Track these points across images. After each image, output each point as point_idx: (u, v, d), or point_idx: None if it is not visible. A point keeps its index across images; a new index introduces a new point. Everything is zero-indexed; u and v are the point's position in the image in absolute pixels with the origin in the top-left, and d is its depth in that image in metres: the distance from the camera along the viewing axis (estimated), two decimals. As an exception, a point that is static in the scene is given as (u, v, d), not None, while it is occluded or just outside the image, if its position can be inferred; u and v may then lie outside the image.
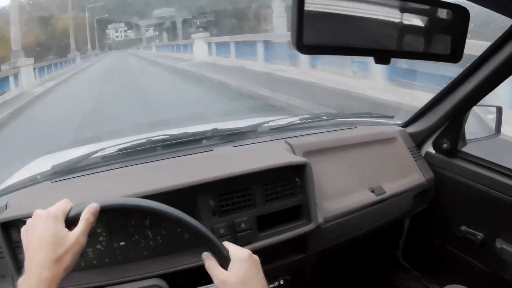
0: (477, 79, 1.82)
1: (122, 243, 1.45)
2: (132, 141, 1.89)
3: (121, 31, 37.79)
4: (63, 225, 1.06)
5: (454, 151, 2.07)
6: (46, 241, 1.02)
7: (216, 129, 1.99)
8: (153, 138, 1.91)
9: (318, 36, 0.89)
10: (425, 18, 1.00)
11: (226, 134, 1.96)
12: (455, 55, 1.03)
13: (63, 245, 1.02)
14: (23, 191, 1.67)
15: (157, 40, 36.35)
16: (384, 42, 0.97)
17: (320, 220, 1.68)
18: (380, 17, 0.95)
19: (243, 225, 1.53)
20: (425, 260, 2.31)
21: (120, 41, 38.23)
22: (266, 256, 1.51)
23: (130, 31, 38.23)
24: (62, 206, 1.11)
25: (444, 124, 2.06)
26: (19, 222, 1.41)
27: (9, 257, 1.40)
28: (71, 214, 1.10)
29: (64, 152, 2.57)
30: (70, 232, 1.05)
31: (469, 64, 1.84)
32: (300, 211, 1.66)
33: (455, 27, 1.01)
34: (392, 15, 0.96)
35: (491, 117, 2.10)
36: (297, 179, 1.65)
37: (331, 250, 1.85)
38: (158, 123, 7.01)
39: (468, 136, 2.07)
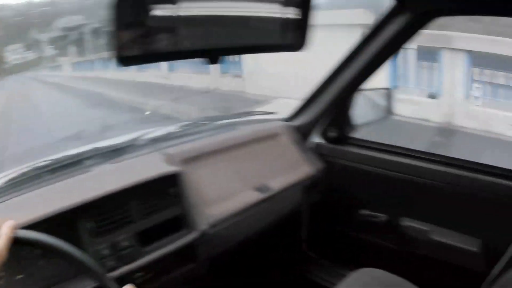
0: (359, 64, 1.84)
1: (19, 276, 1.38)
2: (18, 170, 1.82)
3: (19, 52, 34.54)
4: None
5: (343, 138, 2.08)
6: None
7: (96, 148, 1.94)
8: (38, 165, 1.84)
9: (139, 46, 0.85)
10: (267, 10, 0.98)
11: (106, 152, 1.91)
12: (299, 44, 1.02)
13: None
14: None
15: (66, 56, 32.42)
16: (221, 40, 0.94)
17: (204, 227, 1.67)
18: (215, 14, 0.92)
19: (124, 243, 1.50)
20: (333, 248, 2.33)
21: (19, 64, 34.52)
22: (156, 271, 1.56)
23: (30, 51, 35.22)
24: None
25: (330, 112, 2.06)
26: None
27: None
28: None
29: None
30: None
31: (349, 49, 1.85)
32: (182, 220, 1.64)
33: (299, 16, 0.99)
34: (229, 10, 0.93)
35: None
36: (172, 190, 1.64)
37: (227, 254, 1.83)
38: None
39: (362, 120, 2.10)
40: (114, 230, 1.51)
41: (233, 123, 2.18)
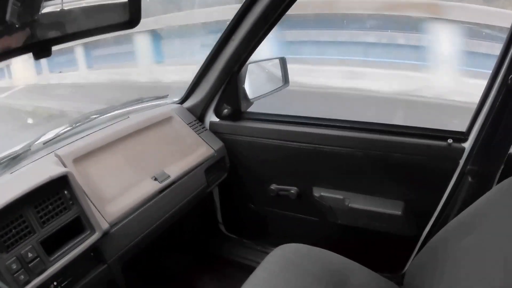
0: (240, 36, 1.85)
1: None
2: None
3: None
4: None
5: (238, 114, 2.09)
6: None
7: None
8: None
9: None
10: None
11: (5, 161, 1.84)
12: (133, 20, 1.01)
13: None
14: None
15: None
16: (50, 30, 0.90)
17: (105, 225, 1.63)
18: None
19: (30, 255, 1.45)
20: (251, 227, 2.34)
21: None
22: (69, 277, 1.54)
23: None
24: None
25: (220, 89, 2.07)
26: None
27: None
28: None
29: None
30: None
31: (228, 23, 1.86)
32: (81, 223, 1.60)
33: None
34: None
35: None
36: (65, 192, 1.58)
37: (137, 250, 1.80)
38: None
39: (258, 93, 2.10)
40: (17, 242, 1.47)
41: (125, 112, 2.14)
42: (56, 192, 1.56)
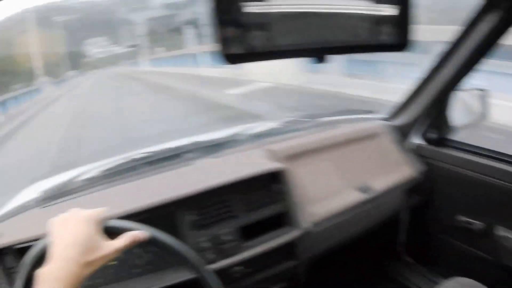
0: (455, 62, 1.80)
1: (114, 262, 1.44)
2: (115, 161, 1.88)
3: (103, 46, 31.70)
4: (98, 231, 1.06)
5: (443, 140, 2.03)
6: (81, 241, 1.01)
7: (196, 142, 1.97)
8: (135, 157, 1.90)
9: (243, 44, 0.84)
10: (370, 8, 0.94)
11: (206, 146, 1.94)
12: (404, 44, 0.99)
13: (96, 251, 1.01)
14: (13, 219, 1.67)
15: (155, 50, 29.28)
16: (325, 38, 0.92)
17: (308, 225, 1.66)
18: (319, 11, 0.89)
19: (225, 237, 1.52)
20: (427, 253, 2.28)
21: (104, 58, 31.65)
22: (256, 265, 1.62)
23: (116, 45, 32.30)
24: (99, 212, 1.10)
25: (428, 113, 2.02)
26: (10, 249, 1.43)
27: (6, 282, 1.43)
28: (109, 224, 1.10)
29: (53, 178, 2.61)
30: (107, 242, 1.05)
31: (444, 49, 1.82)
32: (284, 218, 1.64)
33: (402, 15, 0.97)
34: (332, 6, 0.90)
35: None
36: (277, 186, 1.64)
37: (326, 253, 1.82)
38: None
39: (459, 122, 2.02)
40: (215, 223, 1.54)
41: (334, 121, 2.15)
42: (267, 185, 1.61)
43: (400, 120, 2.12)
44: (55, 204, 1.70)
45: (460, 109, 2.04)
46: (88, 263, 0.99)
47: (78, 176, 1.84)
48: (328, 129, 2.04)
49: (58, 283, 0.95)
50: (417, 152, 2.10)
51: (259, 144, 1.91)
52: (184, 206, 1.51)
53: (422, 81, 1.97)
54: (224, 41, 0.81)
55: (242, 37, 0.83)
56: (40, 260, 1.11)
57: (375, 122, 2.15)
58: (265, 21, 0.85)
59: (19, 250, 1.45)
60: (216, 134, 2.42)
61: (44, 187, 1.86)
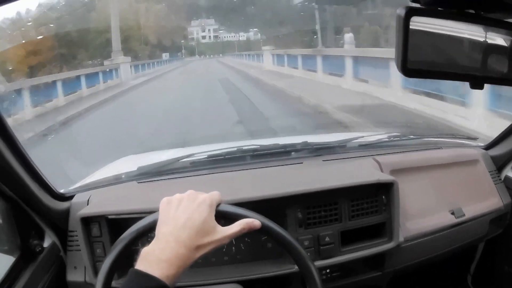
0: None
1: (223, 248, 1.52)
2: (223, 148, 1.93)
3: (209, 30, 26.22)
4: (213, 215, 1.07)
5: None
6: (195, 224, 1.02)
7: (306, 142, 2.01)
8: (244, 147, 1.96)
9: (422, 61, 0.89)
10: None
11: (316, 148, 1.98)
12: None
13: (209, 235, 1.02)
14: (107, 189, 1.75)
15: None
16: (478, 67, 0.94)
17: (401, 239, 1.69)
18: (484, 40, 0.93)
19: (327, 239, 1.57)
20: (495, 286, 2.27)
21: (207, 43, 26.64)
22: (344, 271, 1.61)
23: (225, 31, 26.55)
24: (216, 197, 1.11)
25: None
26: (101, 218, 1.50)
27: (87, 251, 1.48)
28: (223, 208, 1.12)
29: (148, 154, 2.72)
30: (220, 227, 1.06)
31: None
32: (382, 228, 1.68)
33: None
34: (484, 41, 0.93)
35: None
36: (383, 197, 1.66)
37: (405, 270, 1.85)
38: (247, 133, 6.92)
39: None
40: (320, 224, 1.58)
41: (437, 142, 2.20)
42: (375, 194, 1.64)
43: (498, 150, 2.13)
44: (154, 181, 1.76)
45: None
46: (199, 247, 1.01)
47: (183, 157, 1.88)
48: (431, 149, 2.07)
49: (165, 264, 0.96)
50: (506, 184, 2.10)
51: (367, 153, 1.94)
52: (294, 203, 1.55)
53: None
54: (404, 55, 0.86)
55: (421, 55, 0.88)
56: (141, 236, 1.18)
57: (475, 149, 2.16)
58: (440, 44, 0.91)
59: (109, 221, 1.50)
60: (325, 137, 2.51)
61: (140, 163, 1.91)
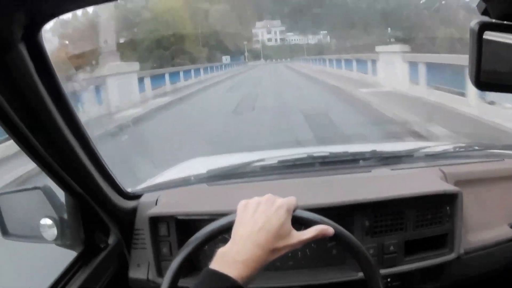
0: None
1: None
2: (293, 154, 1.97)
3: (275, 32, 23.98)
4: (290, 220, 1.09)
5: None
6: (273, 228, 1.04)
7: (374, 151, 2.05)
8: (314, 154, 2.00)
9: (496, 74, 0.91)
10: None
11: (384, 157, 2.02)
12: None
13: (285, 239, 1.05)
14: (176, 190, 1.79)
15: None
16: None
17: (461, 251, 1.68)
18: None
19: (391, 248, 1.60)
20: None
21: (273, 46, 24.20)
22: (405, 281, 1.64)
23: (293, 33, 24.12)
24: (293, 202, 1.13)
25: None
26: (170, 218, 1.55)
27: (152, 250, 1.54)
28: (300, 214, 1.15)
29: (217, 157, 2.80)
30: (296, 231, 1.08)
31: None
32: (444, 239, 1.68)
33: None
34: None
35: None
36: (447, 208, 1.66)
37: (463, 283, 1.84)
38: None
39: None
40: (385, 233, 1.61)
41: (500, 154, 2.16)
42: (440, 205, 1.66)
43: None
44: (224, 184, 1.80)
45: None
46: (275, 250, 1.04)
47: (254, 161, 1.92)
48: (495, 161, 2.05)
49: (241, 265, 0.99)
50: None
51: (433, 164, 1.96)
52: (362, 211, 1.57)
53: None
54: (478, 68, 0.88)
55: (492, 68, 0.90)
56: (214, 238, 1.21)
57: None
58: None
59: (178, 222, 1.55)
60: (393, 146, 2.52)
61: (209, 166, 1.95)
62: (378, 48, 16.11)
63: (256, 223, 1.06)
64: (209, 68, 22.55)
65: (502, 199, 1.90)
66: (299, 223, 1.14)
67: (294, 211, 1.13)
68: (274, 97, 15.76)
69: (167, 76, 17.60)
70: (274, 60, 25.39)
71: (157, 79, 16.59)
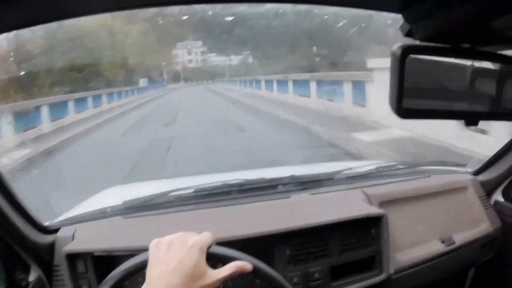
0: None
1: None
2: (209, 183, 1.92)
3: (196, 53, 23.52)
4: (204, 259, 1.06)
5: None
6: (186, 268, 1.00)
7: (293, 176, 2.00)
8: (230, 182, 1.94)
9: (418, 101, 0.89)
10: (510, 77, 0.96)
11: (303, 181, 1.98)
12: None
13: (200, 280, 1.01)
14: (92, 224, 1.72)
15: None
16: (472, 102, 0.96)
17: (391, 271, 1.68)
18: (469, 79, 0.94)
19: (316, 275, 1.55)
20: None
21: (194, 68, 23.80)
22: None
23: (215, 54, 23.36)
24: (207, 239, 1.09)
25: None
26: (87, 255, 1.47)
27: (73, 287, 1.46)
28: (215, 251, 1.11)
29: (134, 185, 2.72)
30: (211, 270, 1.05)
31: None
32: (372, 261, 1.67)
33: None
34: (478, 75, 0.94)
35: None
36: (372, 230, 1.66)
37: None
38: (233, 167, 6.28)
39: None
40: (309, 260, 1.56)
41: (425, 170, 2.20)
42: (365, 228, 1.64)
43: (487, 175, 2.15)
44: (140, 216, 1.74)
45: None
46: None
47: (169, 192, 1.87)
48: (420, 178, 2.08)
49: None
50: (496, 209, 2.11)
51: (355, 185, 1.95)
52: (283, 240, 1.54)
53: None
54: (399, 97, 0.85)
55: (414, 94, 0.87)
56: (130, 276, 1.16)
57: (463, 175, 2.18)
58: (436, 82, 0.91)
59: (95, 258, 1.48)
60: (312, 168, 2.45)
61: (126, 196, 1.88)
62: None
63: (169, 264, 1.01)
64: (115, 94, 19.39)
65: (431, 215, 1.93)
66: (215, 260, 1.11)
67: (209, 247, 1.09)
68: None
69: (70, 105, 14.94)
70: (195, 82, 24.75)
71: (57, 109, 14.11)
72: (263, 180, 1.97)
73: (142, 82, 21.41)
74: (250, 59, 23.77)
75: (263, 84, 21.93)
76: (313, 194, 1.91)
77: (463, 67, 0.93)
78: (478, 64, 0.93)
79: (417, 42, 0.91)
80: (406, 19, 0.91)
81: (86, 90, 17.03)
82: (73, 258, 1.48)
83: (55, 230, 1.66)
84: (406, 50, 0.84)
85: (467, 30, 0.86)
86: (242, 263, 1.09)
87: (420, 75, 0.89)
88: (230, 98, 20.02)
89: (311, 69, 17.39)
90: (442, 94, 0.93)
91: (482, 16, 0.82)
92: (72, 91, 16.24)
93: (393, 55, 0.84)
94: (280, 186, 1.95)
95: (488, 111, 0.98)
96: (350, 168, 2.14)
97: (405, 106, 0.86)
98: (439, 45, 0.88)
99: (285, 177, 2.00)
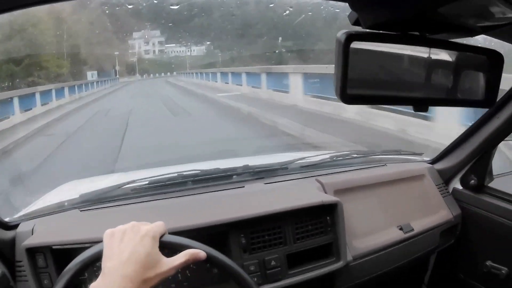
0: (505, 115, 1.84)
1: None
2: (163, 174, 1.91)
3: (153, 44, 21.08)
4: (157, 247, 1.06)
5: (481, 187, 2.08)
6: (140, 257, 1.01)
7: (247, 165, 2.01)
8: (184, 173, 1.94)
9: (363, 87, 0.89)
10: (459, 64, 0.99)
11: (257, 171, 1.98)
12: (488, 101, 1.01)
13: (154, 268, 1.02)
14: (50, 218, 1.71)
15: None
16: (421, 89, 0.97)
17: (349, 258, 1.71)
18: (417, 67, 0.95)
19: (273, 263, 1.57)
20: None
21: (151, 59, 21.57)
22: None
23: (174, 45, 21.44)
24: (159, 228, 1.10)
25: (472, 160, 2.08)
26: (46, 248, 1.46)
27: (34, 282, 1.46)
28: (167, 239, 1.12)
29: (91, 179, 2.68)
30: (166, 258, 1.05)
31: (500, 99, 1.84)
32: (329, 249, 1.69)
33: (489, 72, 0.99)
34: (427, 63, 0.95)
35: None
36: (328, 218, 1.68)
37: (358, 287, 1.86)
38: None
39: (495, 171, 2.08)
40: (264, 248, 1.57)
41: (382, 159, 2.24)
42: (320, 216, 1.65)
43: (444, 164, 2.19)
44: (96, 209, 1.73)
45: (502, 158, 2.13)
46: (146, 280, 1.00)
47: (123, 184, 1.86)
48: (376, 167, 2.11)
49: None
50: (455, 196, 2.15)
51: (309, 175, 1.96)
52: (237, 229, 1.55)
53: (471, 128, 2.02)
54: (344, 83, 0.85)
55: (359, 80, 0.87)
56: (86, 267, 1.16)
57: (420, 164, 2.21)
58: (382, 69, 0.92)
59: (54, 251, 1.47)
60: (266, 159, 2.49)
61: (83, 189, 1.88)
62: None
63: (122, 254, 1.01)
64: (53, 93, 15.74)
65: (388, 204, 1.96)
66: (168, 248, 1.11)
67: (162, 236, 1.10)
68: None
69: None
70: (152, 74, 22.80)
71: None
72: (217, 171, 1.97)
73: (91, 75, 19.20)
74: (211, 50, 22.46)
75: (218, 75, 21.35)
76: (267, 183, 1.91)
77: (413, 54, 0.94)
78: (427, 51, 0.94)
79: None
80: (352, 7, 0.91)
81: (27, 86, 14.95)
82: (32, 252, 1.47)
83: (16, 226, 1.64)
84: (350, 37, 0.84)
85: (416, 18, 0.86)
86: (196, 251, 1.09)
87: (365, 62, 0.88)
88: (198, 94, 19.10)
89: (280, 61, 17.59)
90: (390, 80, 0.94)
91: (429, 3, 0.82)
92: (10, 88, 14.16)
93: (337, 41, 0.84)
94: (234, 176, 1.96)
95: (435, 97, 1.00)
96: (304, 158, 2.14)
97: (350, 92, 0.86)
98: (386, 32, 0.88)
99: (239, 167, 2.00)
